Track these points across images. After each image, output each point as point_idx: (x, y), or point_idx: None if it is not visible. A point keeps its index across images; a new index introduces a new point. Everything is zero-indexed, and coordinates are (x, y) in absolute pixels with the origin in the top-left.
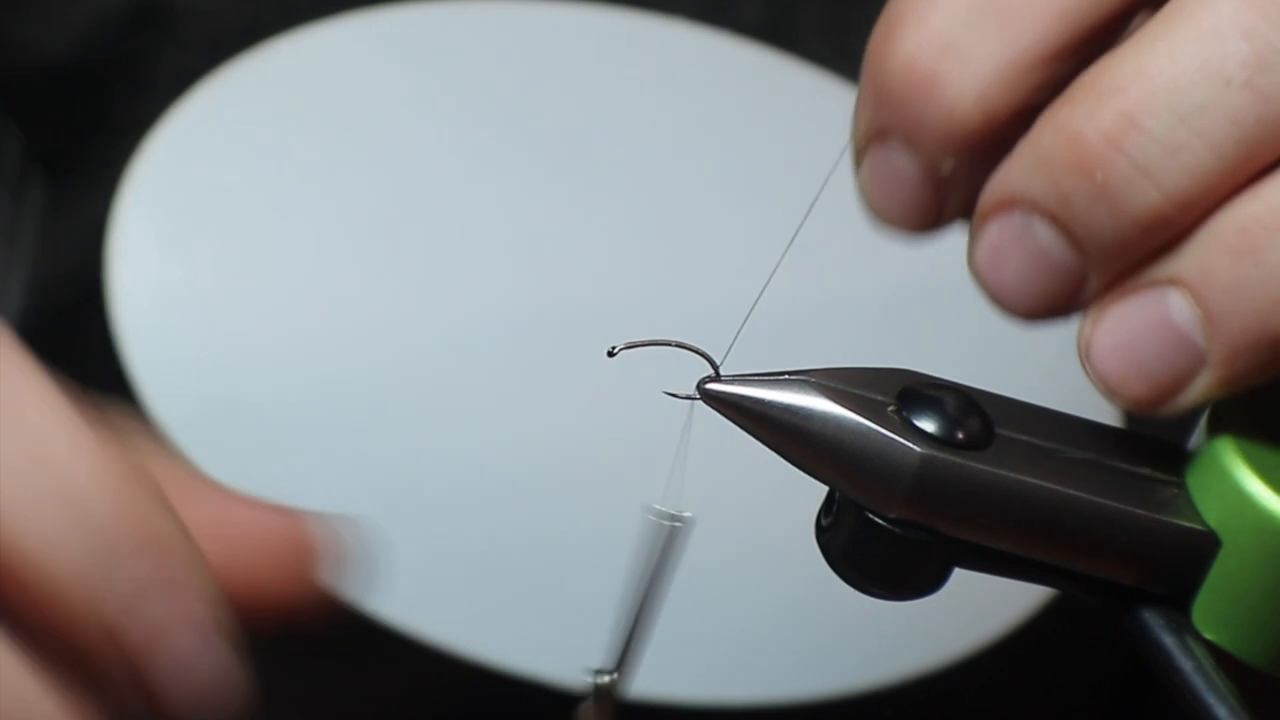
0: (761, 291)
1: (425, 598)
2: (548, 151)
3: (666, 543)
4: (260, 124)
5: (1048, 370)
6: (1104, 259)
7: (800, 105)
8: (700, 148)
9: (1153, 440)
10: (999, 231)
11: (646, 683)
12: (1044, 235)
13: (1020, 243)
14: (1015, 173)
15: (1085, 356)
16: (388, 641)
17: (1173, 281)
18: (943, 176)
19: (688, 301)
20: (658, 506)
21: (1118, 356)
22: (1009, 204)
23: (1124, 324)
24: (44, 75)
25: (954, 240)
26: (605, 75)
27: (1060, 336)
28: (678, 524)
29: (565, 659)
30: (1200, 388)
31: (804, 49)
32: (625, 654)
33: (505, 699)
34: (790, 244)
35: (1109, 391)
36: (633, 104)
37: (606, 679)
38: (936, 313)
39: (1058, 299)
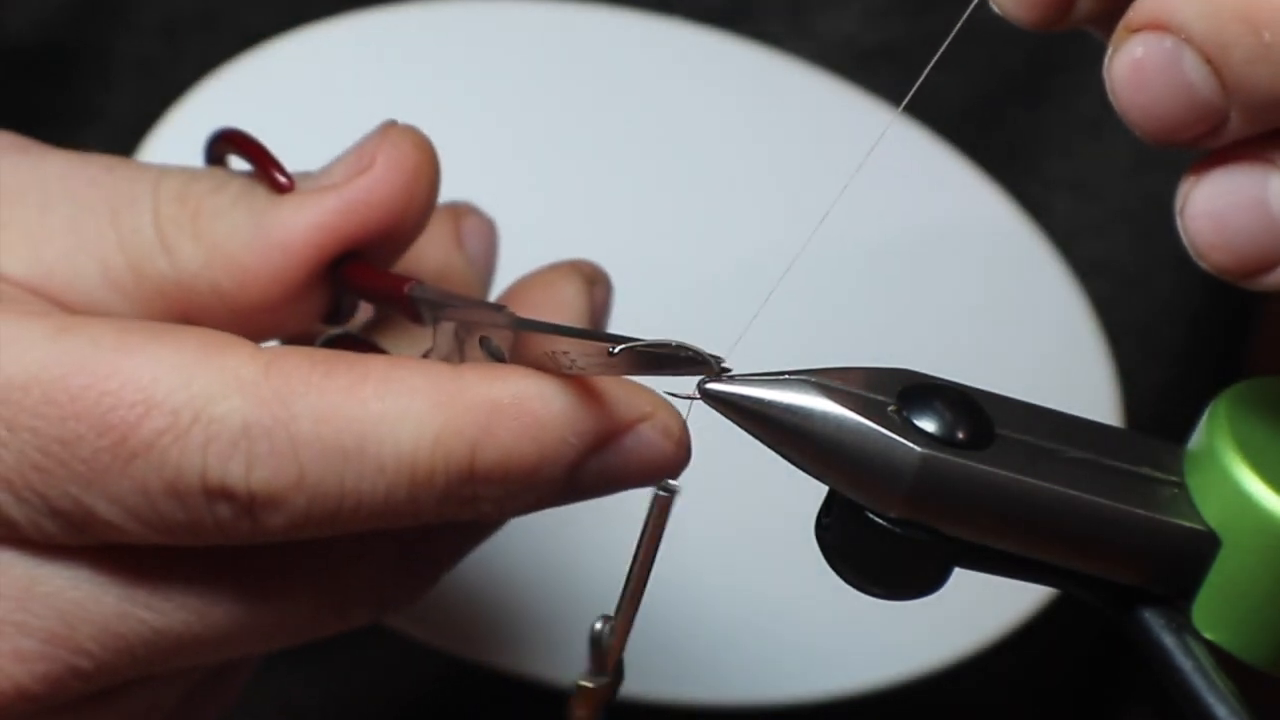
0: (765, 301)
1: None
2: (544, 148)
3: (657, 510)
4: (259, 123)
5: (1048, 370)
6: (1250, 112)
7: (763, 89)
8: (685, 141)
9: (1153, 440)
10: (1145, 50)
11: (647, 684)
12: (1194, 69)
13: (1167, 69)
14: None
15: (1179, 212)
16: (374, 638)
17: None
18: None
19: (684, 295)
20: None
21: (1209, 224)
22: (1162, 26)
23: (1221, 193)
24: (1, 61)
25: (955, 240)
26: (600, 75)
27: (1060, 336)
28: (663, 493)
29: (557, 659)
30: None
31: (762, 28)
32: (624, 607)
33: (498, 699)
34: (799, 254)
35: (1195, 254)
36: (628, 103)
37: (602, 624)
38: (938, 312)
39: (1193, 132)
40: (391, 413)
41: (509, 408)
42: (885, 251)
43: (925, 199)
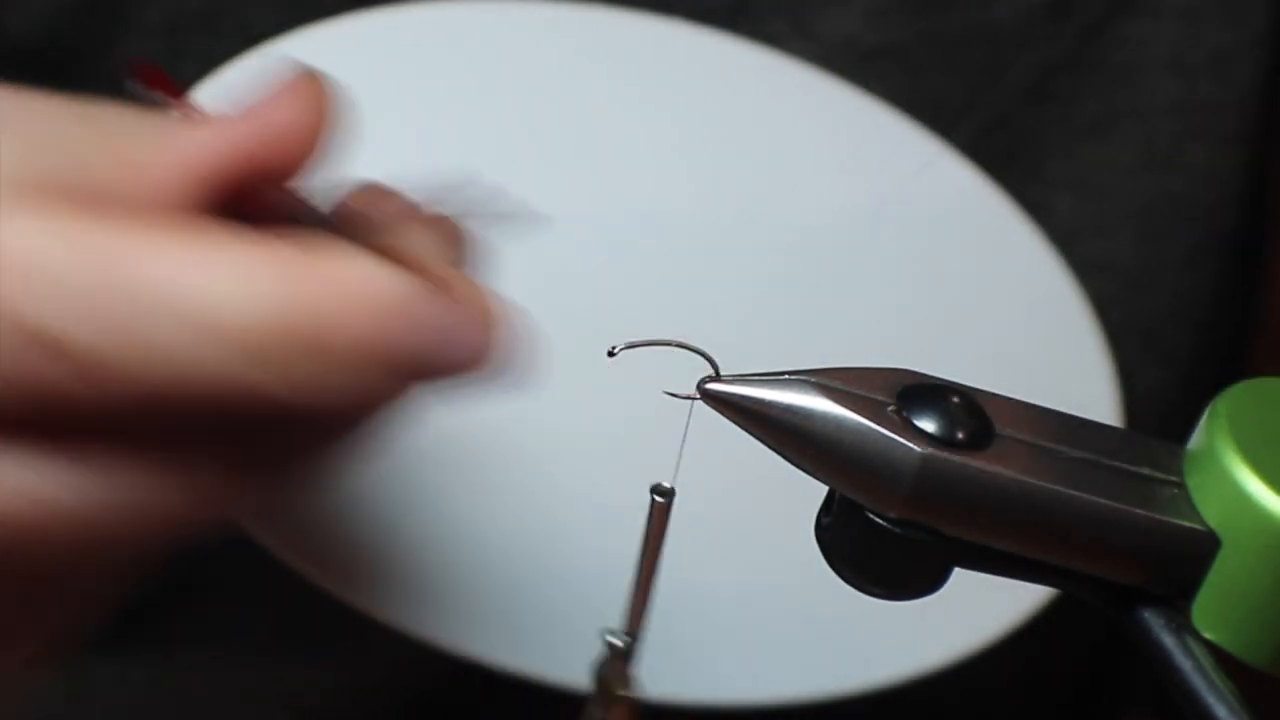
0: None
1: (420, 594)
2: (546, 149)
3: (656, 514)
4: None
5: (1048, 370)
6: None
7: (763, 89)
8: (684, 141)
9: (1153, 440)
10: None
11: (645, 684)
12: None
13: None
14: None
15: None
16: (379, 638)
17: None
18: None
19: (684, 296)
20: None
21: None
22: None
23: None
24: (3, 61)
25: (955, 240)
26: (601, 75)
27: (1060, 336)
28: (659, 497)
29: (557, 657)
30: None
31: (763, 28)
32: (635, 618)
33: (501, 698)
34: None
35: None
36: (629, 103)
37: (621, 641)
38: (938, 312)
39: None
40: (228, 278)
41: (353, 285)
42: (885, 251)
43: (925, 199)
